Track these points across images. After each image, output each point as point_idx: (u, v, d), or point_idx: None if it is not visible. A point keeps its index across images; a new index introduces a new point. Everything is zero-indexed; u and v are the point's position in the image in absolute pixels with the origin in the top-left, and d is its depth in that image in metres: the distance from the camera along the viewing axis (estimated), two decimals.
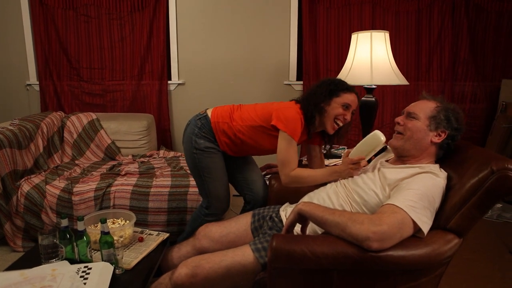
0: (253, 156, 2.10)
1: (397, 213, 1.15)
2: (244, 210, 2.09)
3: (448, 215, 1.24)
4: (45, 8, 3.28)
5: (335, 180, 1.59)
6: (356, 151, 1.54)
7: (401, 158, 1.47)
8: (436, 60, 3.33)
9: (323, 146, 1.93)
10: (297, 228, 1.36)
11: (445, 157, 1.46)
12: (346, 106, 1.69)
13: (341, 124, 1.72)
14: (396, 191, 1.27)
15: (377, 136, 1.48)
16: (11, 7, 3.35)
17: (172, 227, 2.31)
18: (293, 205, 1.56)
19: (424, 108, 1.42)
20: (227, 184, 1.95)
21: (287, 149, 1.68)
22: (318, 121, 1.74)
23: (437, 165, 1.38)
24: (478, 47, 3.32)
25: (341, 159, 1.59)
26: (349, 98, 1.69)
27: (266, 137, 1.80)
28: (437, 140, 1.40)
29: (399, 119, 1.47)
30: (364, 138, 1.53)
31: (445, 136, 1.40)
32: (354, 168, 1.50)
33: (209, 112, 1.89)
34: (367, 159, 1.51)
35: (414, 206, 1.17)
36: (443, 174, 1.32)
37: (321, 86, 1.74)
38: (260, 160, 2.17)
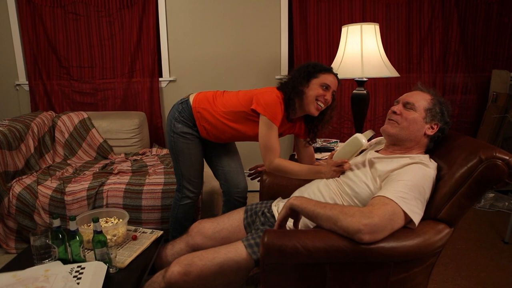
0: (238, 149, 2.13)
1: (388, 204, 1.15)
2: (223, 202, 2.12)
3: (439, 205, 1.25)
4: (33, 6, 3.23)
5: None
6: (339, 154, 1.55)
7: (393, 146, 1.47)
8: (427, 52, 3.33)
9: (308, 137, 1.91)
10: (290, 223, 1.36)
11: (433, 147, 1.47)
12: (325, 87, 1.69)
13: (323, 106, 1.71)
14: (387, 183, 1.27)
15: (358, 140, 1.48)
16: None
17: (166, 225, 2.30)
18: (285, 200, 1.56)
19: (420, 99, 1.42)
20: (200, 170, 1.99)
21: (267, 134, 1.68)
22: (298, 105, 1.74)
23: (427, 156, 1.39)
24: (468, 38, 3.33)
25: (326, 160, 1.59)
26: (328, 78, 1.69)
27: (247, 123, 1.80)
28: (430, 132, 1.41)
29: (395, 108, 1.45)
30: (346, 141, 1.54)
31: (437, 129, 1.41)
32: (338, 170, 1.51)
33: (191, 97, 1.92)
34: (350, 161, 1.51)
35: (405, 197, 1.17)
36: (433, 165, 1.33)
37: (299, 70, 1.75)
38: (244, 152, 2.16)
